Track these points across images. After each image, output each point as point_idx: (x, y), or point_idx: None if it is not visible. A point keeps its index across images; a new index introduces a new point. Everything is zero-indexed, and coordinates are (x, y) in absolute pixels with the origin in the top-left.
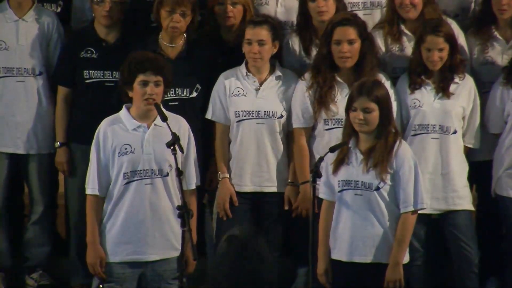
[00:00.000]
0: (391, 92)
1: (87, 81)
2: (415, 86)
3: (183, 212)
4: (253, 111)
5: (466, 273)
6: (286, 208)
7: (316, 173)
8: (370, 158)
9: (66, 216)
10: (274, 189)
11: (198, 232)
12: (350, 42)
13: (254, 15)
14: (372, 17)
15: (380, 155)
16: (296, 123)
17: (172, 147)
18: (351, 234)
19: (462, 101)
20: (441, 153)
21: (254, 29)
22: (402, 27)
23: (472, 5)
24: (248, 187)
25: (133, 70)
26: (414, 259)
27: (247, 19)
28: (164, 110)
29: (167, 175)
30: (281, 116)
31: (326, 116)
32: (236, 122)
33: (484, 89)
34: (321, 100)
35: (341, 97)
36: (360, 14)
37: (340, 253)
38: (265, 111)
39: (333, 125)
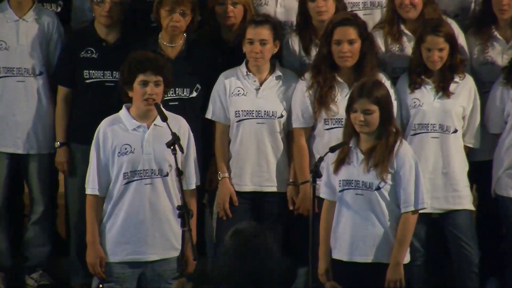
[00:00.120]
0: (391, 91)
1: (87, 81)
2: (415, 85)
3: (183, 212)
4: (253, 110)
5: (466, 273)
6: (291, 208)
7: (316, 173)
8: (370, 158)
9: (66, 216)
10: (274, 189)
11: (198, 232)
12: (351, 42)
13: (254, 15)
14: (372, 17)
15: (380, 155)
16: (296, 123)
17: (172, 147)
18: (351, 234)
19: (462, 100)
20: (442, 152)
21: (255, 29)
22: (402, 27)
23: (472, 5)
24: (248, 187)
25: (133, 70)
26: (414, 259)
27: (248, 19)
28: (164, 110)
29: (167, 175)
30: (281, 116)
31: (326, 116)
32: (236, 122)
33: (484, 89)
34: (321, 100)
35: (341, 97)
36: (360, 14)
37: (340, 253)
38: (265, 111)
39: (333, 125)
